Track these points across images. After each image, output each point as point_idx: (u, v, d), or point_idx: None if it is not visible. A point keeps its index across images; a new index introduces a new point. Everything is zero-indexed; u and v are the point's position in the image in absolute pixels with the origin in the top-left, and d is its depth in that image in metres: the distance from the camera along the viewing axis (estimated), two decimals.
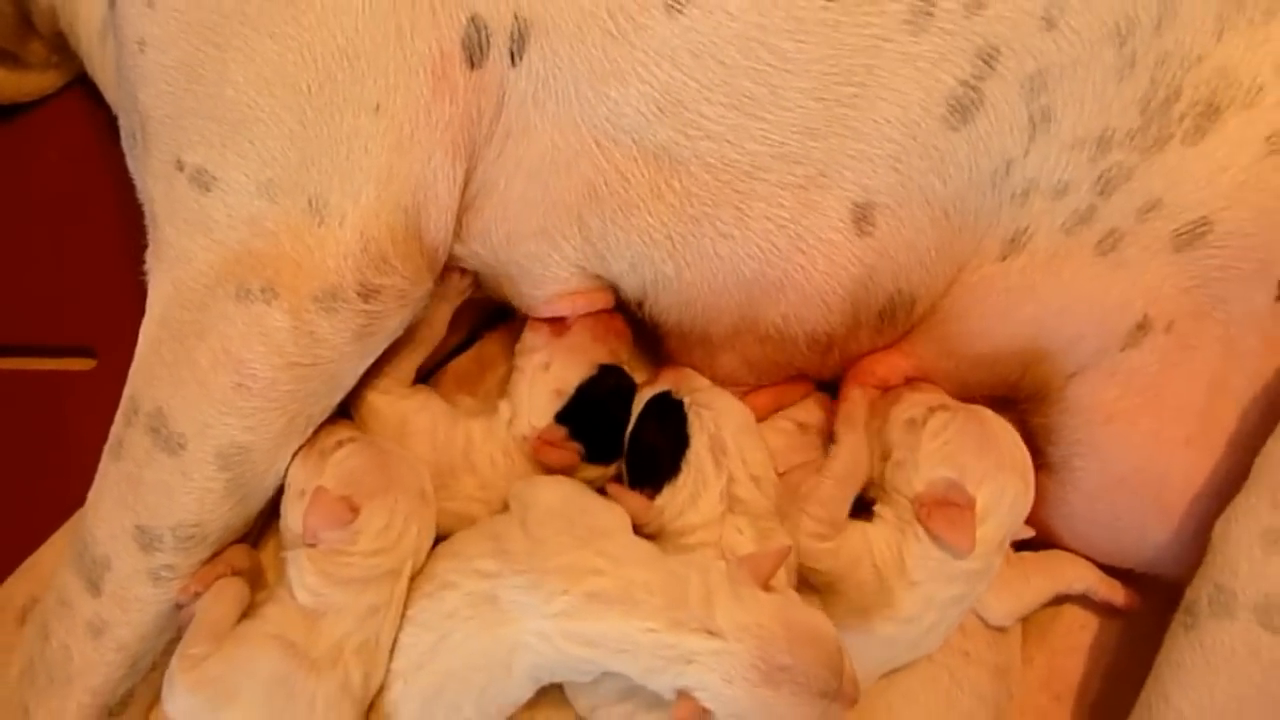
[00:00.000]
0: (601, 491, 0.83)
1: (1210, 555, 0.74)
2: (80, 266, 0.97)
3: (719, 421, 0.82)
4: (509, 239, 0.80)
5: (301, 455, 0.78)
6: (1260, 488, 0.73)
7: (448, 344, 0.91)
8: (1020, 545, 0.87)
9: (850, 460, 0.82)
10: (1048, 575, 0.86)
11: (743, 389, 0.87)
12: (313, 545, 0.76)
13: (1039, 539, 0.87)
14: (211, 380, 0.73)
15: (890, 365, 0.86)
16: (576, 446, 0.83)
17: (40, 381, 0.97)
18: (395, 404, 0.85)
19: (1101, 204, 0.78)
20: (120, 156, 0.83)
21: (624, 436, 0.84)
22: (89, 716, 0.77)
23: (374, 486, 0.77)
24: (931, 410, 0.82)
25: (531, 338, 0.86)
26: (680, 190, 0.77)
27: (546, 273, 0.81)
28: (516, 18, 0.73)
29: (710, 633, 0.71)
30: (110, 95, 0.89)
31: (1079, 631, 0.90)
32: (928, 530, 0.79)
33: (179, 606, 0.76)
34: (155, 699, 0.79)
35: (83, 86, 0.97)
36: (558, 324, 0.85)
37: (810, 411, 0.90)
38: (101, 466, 0.77)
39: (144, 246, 0.79)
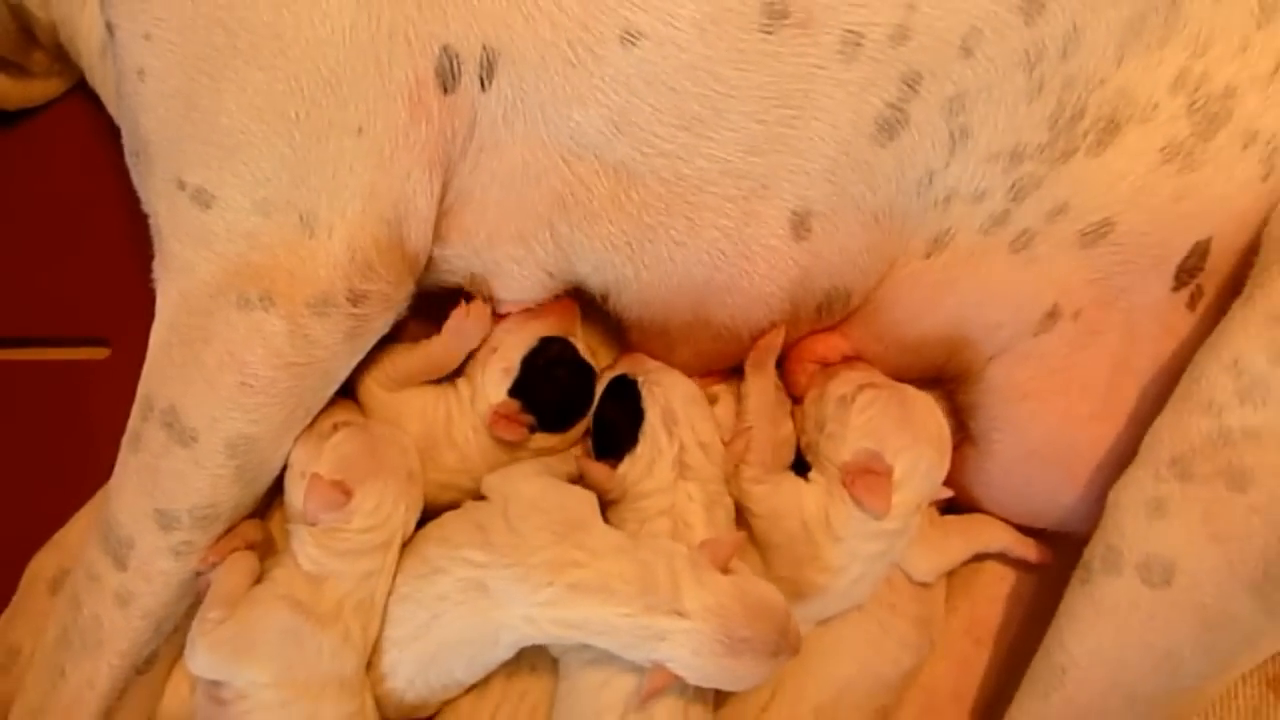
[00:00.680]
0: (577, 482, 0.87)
1: (1104, 519, 0.78)
2: (92, 261, 0.98)
3: (669, 395, 0.86)
4: (490, 241, 0.82)
5: (302, 439, 0.81)
6: (1146, 461, 0.76)
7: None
8: (945, 509, 0.91)
9: (758, 400, 0.86)
10: (968, 536, 0.90)
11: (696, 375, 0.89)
12: (313, 524, 0.79)
13: (963, 504, 0.91)
14: (218, 380, 0.76)
15: (830, 345, 0.89)
16: (528, 419, 0.85)
17: (58, 371, 0.98)
18: (392, 390, 0.87)
19: (1015, 208, 0.81)
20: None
21: (573, 400, 0.87)
22: (119, 676, 0.79)
23: (365, 471, 0.80)
24: (861, 388, 0.85)
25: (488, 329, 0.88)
26: (638, 201, 0.79)
27: (523, 273, 0.83)
28: (485, 48, 0.75)
29: (679, 614, 0.76)
30: (111, 108, 0.89)
31: (998, 584, 0.93)
32: (850, 494, 0.83)
33: (198, 574, 0.79)
34: (178, 656, 0.82)
35: (88, 89, 0.95)
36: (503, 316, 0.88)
37: None
38: (121, 458, 0.79)
39: (151, 241, 0.80)
